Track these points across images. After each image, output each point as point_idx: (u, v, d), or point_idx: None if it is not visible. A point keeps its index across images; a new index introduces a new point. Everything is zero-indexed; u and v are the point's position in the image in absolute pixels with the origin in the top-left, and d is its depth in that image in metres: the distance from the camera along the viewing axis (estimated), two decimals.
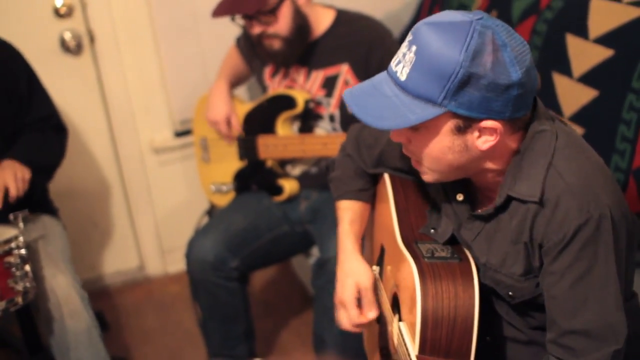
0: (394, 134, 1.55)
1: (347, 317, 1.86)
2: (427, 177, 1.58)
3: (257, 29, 2.55)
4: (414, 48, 1.42)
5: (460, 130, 1.45)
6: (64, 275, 2.37)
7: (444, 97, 1.40)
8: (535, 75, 1.46)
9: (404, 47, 1.45)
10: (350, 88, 1.53)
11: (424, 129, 1.47)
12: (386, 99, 1.46)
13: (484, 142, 1.46)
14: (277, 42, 2.57)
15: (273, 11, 2.49)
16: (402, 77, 1.43)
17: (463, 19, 1.41)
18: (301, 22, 2.56)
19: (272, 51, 2.60)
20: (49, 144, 2.59)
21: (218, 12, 2.53)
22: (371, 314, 1.85)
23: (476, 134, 1.46)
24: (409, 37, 1.44)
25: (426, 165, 1.54)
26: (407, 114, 1.43)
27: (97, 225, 3.45)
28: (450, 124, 1.45)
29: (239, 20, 2.63)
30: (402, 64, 1.44)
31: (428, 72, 1.40)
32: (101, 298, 3.37)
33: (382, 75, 1.51)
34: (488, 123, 1.43)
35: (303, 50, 2.62)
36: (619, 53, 2.14)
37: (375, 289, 1.91)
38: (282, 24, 2.52)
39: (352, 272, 1.88)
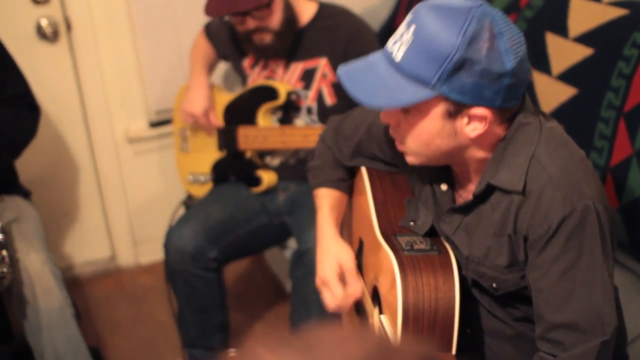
0: (383, 115, 1.56)
1: (331, 295, 1.82)
2: (411, 159, 1.59)
3: (251, 24, 2.53)
4: (412, 28, 1.42)
5: (451, 115, 1.46)
6: (37, 252, 2.34)
7: (437, 80, 1.41)
8: (528, 68, 1.47)
9: (402, 27, 1.46)
10: (344, 65, 1.53)
11: (415, 111, 1.48)
12: (380, 78, 1.46)
13: (473, 130, 1.47)
14: (268, 36, 2.57)
15: (269, 5, 2.49)
16: (398, 56, 1.44)
17: (463, 4, 1.42)
18: (290, 14, 2.57)
19: (263, 45, 2.60)
20: (20, 120, 2.54)
21: (212, 11, 2.50)
22: (356, 286, 1.81)
23: (465, 120, 1.47)
24: (409, 17, 1.45)
25: (413, 148, 1.55)
26: (399, 94, 1.44)
27: (69, 214, 3.42)
28: (441, 108, 1.45)
29: (228, 17, 2.61)
30: (398, 43, 1.45)
31: (424, 53, 1.40)
32: (72, 288, 3.30)
33: (378, 54, 1.51)
34: (478, 110, 1.44)
35: (292, 41, 2.62)
36: (598, 52, 2.16)
37: (358, 269, 1.89)
38: (276, 17, 2.53)
39: (333, 251, 1.86)
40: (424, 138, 1.50)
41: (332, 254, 1.86)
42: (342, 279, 1.84)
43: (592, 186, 1.49)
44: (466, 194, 1.64)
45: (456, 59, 1.39)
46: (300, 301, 2.49)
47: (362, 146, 1.90)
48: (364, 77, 1.49)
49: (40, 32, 3.06)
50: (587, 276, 1.48)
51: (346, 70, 1.52)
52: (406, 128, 1.52)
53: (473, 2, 1.43)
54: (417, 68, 1.42)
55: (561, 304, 1.49)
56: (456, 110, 1.45)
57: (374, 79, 1.47)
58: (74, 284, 3.42)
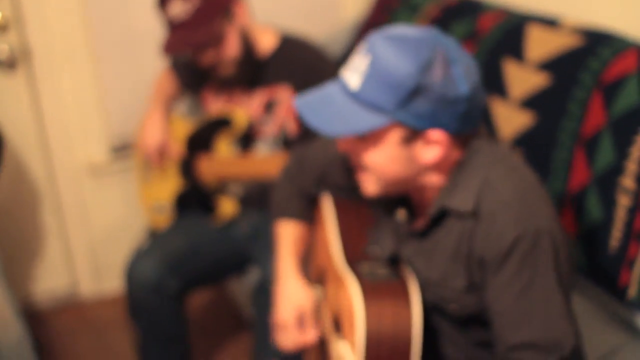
0: (340, 143, 1.58)
1: (288, 337, 1.88)
2: (369, 188, 1.61)
3: (210, 58, 2.55)
4: (367, 58, 1.46)
5: (407, 141, 1.49)
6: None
7: (393, 107, 1.43)
8: (483, 94, 1.51)
9: (357, 57, 1.49)
10: (302, 96, 1.56)
11: (372, 138, 1.50)
12: (336, 106, 1.49)
13: (429, 154, 1.50)
14: (229, 68, 2.58)
15: (222, 37, 2.50)
16: (354, 85, 1.47)
17: (417, 33, 1.46)
18: (248, 44, 2.58)
19: (225, 76, 2.62)
20: None
21: (169, 49, 2.51)
22: (312, 333, 1.87)
23: (422, 145, 1.49)
24: (363, 47, 1.48)
25: (371, 175, 1.57)
26: (356, 122, 1.46)
27: (29, 246, 3.38)
28: (397, 134, 1.48)
29: (187, 52, 2.62)
30: (354, 72, 1.48)
31: (380, 82, 1.43)
32: (32, 320, 3.29)
33: (333, 83, 1.54)
34: (434, 135, 1.47)
35: (254, 70, 2.63)
36: (555, 78, 2.18)
37: (316, 310, 1.91)
38: (232, 48, 2.53)
39: (293, 295, 1.91)
40: (381, 164, 1.52)
41: (292, 298, 1.90)
42: (301, 323, 1.90)
43: (544, 209, 1.52)
44: (424, 220, 1.65)
45: (412, 86, 1.42)
46: (263, 330, 2.47)
47: (325, 176, 1.92)
48: (320, 106, 1.52)
49: None
50: (542, 296, 1.49)
51: (303, 101, 1.55)
52: (363, 155, 1.54)
53: (427, 31, 1.48)
54: (373, 96, 1.45)
55: (518, 324, 1.51)
56: (412, 135, 1.48)
57: (330, 108, 1.50)
58: (35, 316, 3.38)
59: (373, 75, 1.45)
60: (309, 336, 1.87)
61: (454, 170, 1.56)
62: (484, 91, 1.52)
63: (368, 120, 1.46)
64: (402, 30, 1.49)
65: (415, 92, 1.42)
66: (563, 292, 1.51)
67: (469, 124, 1.50)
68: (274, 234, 2.05)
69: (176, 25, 2.49)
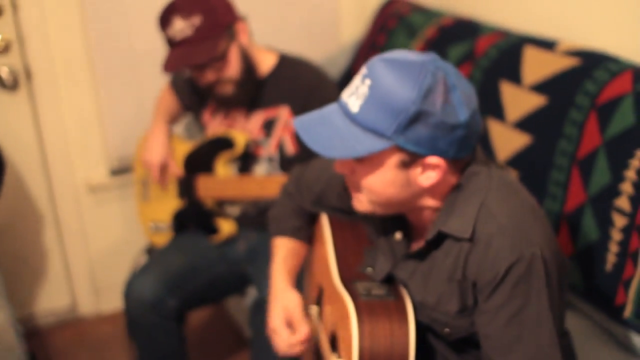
0: (338, 164, 1.58)
1: (280, 340, 1.88)
2: (361, 206, 1.61)
3: (210, 77, 2.55)
4: (367, 82, 1.46)
5: (405, 165, 1.49)
6: (1, 309, 2.32)
7: (393, 132, 1.44)
8: (480, 120, 1.51)
9: (357, 80, 1.49)
10: (301, 116, 1.56)
11: (369, 161, 1.51)
12: (335, 129, 1.49)
13: (427, 179, 1.51)
14: (229, 87, 2.59)
15: (224, 56, 2.51)
16: (354, 109, 1.47)
17: (417, 58, 1.46)
18: (248, 63, 2.59)
19: (224, 96, 2.62)
20: None
21: (170, 67, 2.51)
22: (302, 330, 1.86)
23: (419, 169, 1.50)
24: (363, 71, 1.49)
25: (366, 195, 1.57)
26: (355, 145, 1.46)
27: (28, 264, 3.38)
28: (395, 158, 1.48)
29: (187, 70, 2.64)
30: (354, 96, 1.48)
31: (380, 106, 1.44)
32: (32, 337, 3.30)
33: (333, 106, 1.54)
34: (432, 160, 1.48)
35: (254, 90, 2.64)
36: (551, 100, 2.20)
37: (307, 313, 1.92)
38: (233, 67, 2.55)
39: (280, 299, 1.92)
40: (378, 187, 1.53)
41: (279, 302, 1.91)
42: (291, 324, 1.89)
43: (540, 234, 1.52)
44: (421, 242, 1.66)
45: (412, 112, 1.42)
46: (260, 349, 2.47)
47: (323, 197, 1.93)
48: (319, 127, 1.52)
49: (0, 81, 3.05)
50: (533, 322, 1.50)
51: (302, 122, 1.55)
52: (360, 177, 1.55)
53: (426, 56, 1.48)
54: (373, 120, 1.45)
55: (508, 349, 1.52)
56: (410, 160, 1.49)
57: (330, 130, 1.50)
58: (34, 334, 3.38)
59: (373, 99, 1.44)
60: (300, 334, 1.85)
61: (450, 194, 1.56)
62: (481, 116, 1.53)
63: (366, 144, 1.46)
64: (402, 54, 1.49)
65: (415, 118, 1.42)
66: (554, 318, 1.52)
67: (466, 149, 1.51)
68: (271, 251, 2.06)
69: (177, 43, 2.50)
